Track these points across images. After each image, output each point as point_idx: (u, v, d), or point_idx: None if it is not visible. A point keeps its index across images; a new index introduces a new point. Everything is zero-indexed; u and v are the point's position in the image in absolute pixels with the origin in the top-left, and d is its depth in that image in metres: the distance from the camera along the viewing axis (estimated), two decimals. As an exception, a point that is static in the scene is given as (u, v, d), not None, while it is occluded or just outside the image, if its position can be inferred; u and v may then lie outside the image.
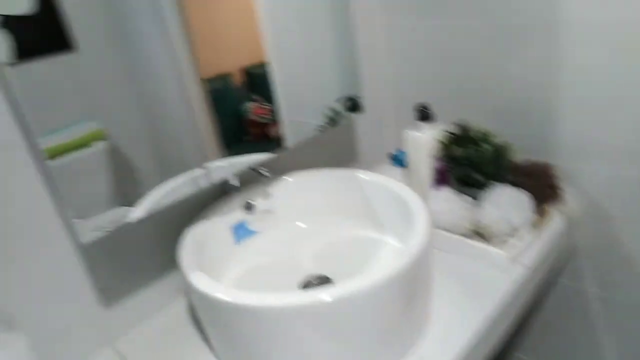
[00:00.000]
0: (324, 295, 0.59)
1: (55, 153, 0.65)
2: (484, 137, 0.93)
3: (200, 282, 0.64)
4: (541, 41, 0.92)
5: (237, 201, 0.86)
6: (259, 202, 0.88)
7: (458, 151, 0.93)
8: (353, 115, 1.09)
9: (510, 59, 0.97)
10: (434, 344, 0.71)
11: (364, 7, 1.10)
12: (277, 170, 0.92)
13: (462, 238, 0.88)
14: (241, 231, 0.86)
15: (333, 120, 1.04)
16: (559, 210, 0.97)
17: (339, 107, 1.04)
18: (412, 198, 0.78)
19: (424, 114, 0.95)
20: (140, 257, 0.81)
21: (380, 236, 0.86)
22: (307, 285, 0.78)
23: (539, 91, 0.96)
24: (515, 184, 0.91)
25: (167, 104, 0.77)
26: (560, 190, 0.97)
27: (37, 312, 0.70)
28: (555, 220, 0.95)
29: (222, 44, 0.86)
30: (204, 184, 0.83)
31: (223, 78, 0.87)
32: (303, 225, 0.92)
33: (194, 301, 0.73)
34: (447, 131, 0.95)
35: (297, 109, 0.98)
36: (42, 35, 0.62)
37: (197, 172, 0.82)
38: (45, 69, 0.63)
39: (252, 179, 0.89)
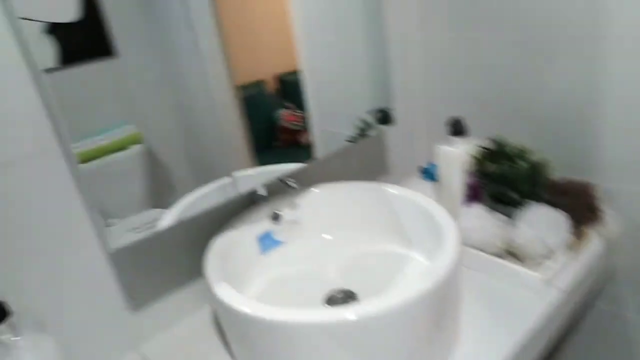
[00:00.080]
0: (348, 313, 0.57)
1: (94, 155, 0.67)
2: (520, 153, 0.89)
3: (225, 293, 0.64)
4: (583, 54, 0.88)
5: (264, 211, 0.86)
6: (285, 213, 0.88)
7: (492, 167, 0.90)
8: (384, 127, 1.07)
9: (549, 73, 0.94)
10: (461, 368, 0.68)
11: (400, 21, 1.10)
12: (306, 181, 0.92)
13: (493, 257, 0.85)
14: (267, 241, 0.86)
15: (364, 132, 1.03)
16: (598, 232, 0.93)
17: (370, 118, 1.03)
18: (441, 214, 0.76)
19: (457, 128, 0.93)
20: (168, 264, 0.81)
21: (407, 252, 0.85)
22: (331, 299, 0.77)
23: (579, 106, 0.92)
24: (552, 203, 0.87)
25: (201, 110, 0.78)
26: (600, 211, 0.92)
27: (66, 314, 0.71)
28: (594, 242, 0.91)
29: (257, 51, 0.86)
30: (232, 192, 0.83)
31: (257, 85, 0.88)
32: (329, 237, 0.91)
33: (217, 311, 0.73)
34: (480, 146, 0.93)
35: (328, 119, 0.98)
36: (86, 42, 0.64)
37: (226, 180, 0.82)
38: (87, 74, 0.65)
39: (279, 189, 0.89)
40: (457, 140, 0.93)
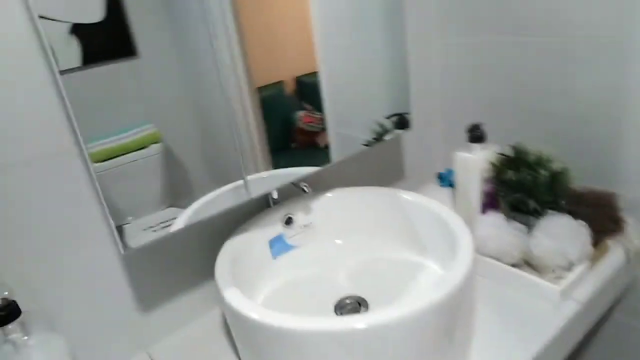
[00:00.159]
0: (358, 322, 0.57)
1: (115, 153, 0.68)
2: (540, 161, 0.87)
3: (234, 298, 0.63)
4: (608, 58, 0.85)
5: (277, 214, 0.86)
6: (298, 217, 0.87)
7: (511, 175, 0.88)
8: (401, 132, 1.06)
9: (572, 78, 0.92)
10: (474, 381, 0.67)
11: (419, 26, 1.08)
12: (321, 184, 0.91)
13: (510, 267, 0.83)
14: (279, 244, 0.85)
15: (380, 136, 1.02)
16: (620, 243, 0.90)
17: (387, 122, 1.02)
18: (456, 222, 0.75)
19: (476, 134, 0.91)
20: (181, 264, 0.82)
21: (420, 259, 0.83)
22: (341, 305, 0.76)
23: (603, 112, 0.89)
24: (572, 213, 0.85)
25: (218, 110, 0.78)
26: (622, 221, 0.89)
27: (77, 314, 0.72)
28: (615, 254, 0.88)
29: (276, 52, 0.86)
30: (246, 195, 0.83)
31: (276, 86, 0.88)
32: (341, 243, 0.90)
33: (227, 316, 0.73)
34: (499, 153, 0.91)
35: (344, 122, 0.97)
36: (107, 42, 0.64)
37: (240, 182, 0.82)
38: (108, 73, 0.65)
39: (293, 192, 0.89)
40: (475, 146, 0.91)
